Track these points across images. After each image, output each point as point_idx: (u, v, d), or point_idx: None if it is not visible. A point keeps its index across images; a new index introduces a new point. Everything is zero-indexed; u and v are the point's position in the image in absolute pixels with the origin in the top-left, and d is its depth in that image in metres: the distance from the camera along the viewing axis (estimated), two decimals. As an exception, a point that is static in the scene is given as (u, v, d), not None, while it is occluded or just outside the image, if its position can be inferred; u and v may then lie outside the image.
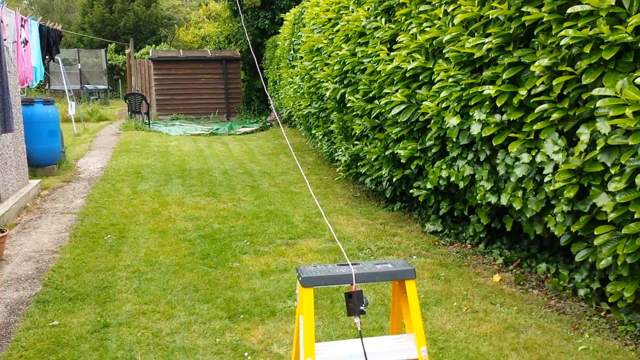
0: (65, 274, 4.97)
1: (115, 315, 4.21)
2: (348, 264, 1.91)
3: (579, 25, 3.55)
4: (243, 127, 16.54)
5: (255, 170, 9.87)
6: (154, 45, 31.19)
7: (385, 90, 6.01)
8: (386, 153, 6.18)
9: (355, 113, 7.03)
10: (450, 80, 4.92)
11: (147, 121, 16.48)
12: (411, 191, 6.00)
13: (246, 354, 3.70)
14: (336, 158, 8.02)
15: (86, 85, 26.33)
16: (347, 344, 1.84)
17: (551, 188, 3.75)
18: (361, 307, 1.83)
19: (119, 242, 5.87)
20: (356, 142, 7.23)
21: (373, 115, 6.43)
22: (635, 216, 3.12)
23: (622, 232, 3.28)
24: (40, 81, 10.95)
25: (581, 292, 4.33)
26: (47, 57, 11.16)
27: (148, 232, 6.21)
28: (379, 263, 1.97)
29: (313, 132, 9.56)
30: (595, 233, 3.46)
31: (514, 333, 3.96)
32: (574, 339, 3.89)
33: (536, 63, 3.88)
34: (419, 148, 5.64)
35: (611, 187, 3.27)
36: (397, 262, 1.97)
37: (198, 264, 5.25)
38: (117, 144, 12.82)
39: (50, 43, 11.00)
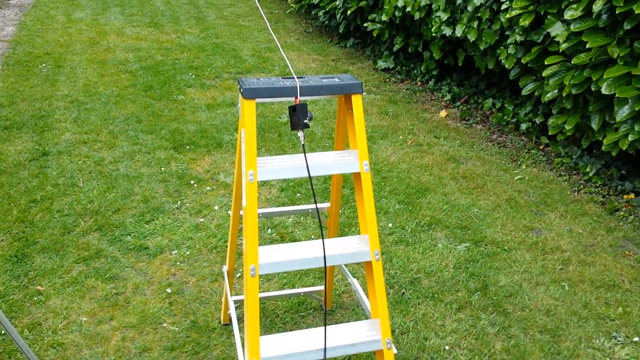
0: (-2, 102, 4.70)
1: (54, 144, 4.06)
2: (293, 77, 1.80)
3: None
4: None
5: (201, 1, 9.23)
6: None
7: None
8: (340, -18, 5.81)
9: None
10: None
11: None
12: (365, 25, 5.76)
13: (192, 181, 3.70)
14: (287, -11, 7.53)
15: None
16: (290, 157, 1.79)
17: (507, 16, 3.62)
18: (305, 121, 1.76)
19: (55, 71, 5.51)
20: (309, -29, 6.75)
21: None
22: (587, 46, 3.08)
23: (572, 62, 3.25)
24: None
25: (523, 126, 4.43)
26: None
27: (86, 62, 5.84)
28: (326, 77, 1.87)
29: (263, -40, 8.85)
30: (546, 63, 3.43)
31: (454, 164, 4.08)
32: (511, 170, 4.05)
33: None
34: (374, -24, 5.31)
35: (567, 14, 3.17)
36: (344, 76, 1.88)
37: (140, 96, 5.03)
38: (46, -32, 11.60)
39: None
